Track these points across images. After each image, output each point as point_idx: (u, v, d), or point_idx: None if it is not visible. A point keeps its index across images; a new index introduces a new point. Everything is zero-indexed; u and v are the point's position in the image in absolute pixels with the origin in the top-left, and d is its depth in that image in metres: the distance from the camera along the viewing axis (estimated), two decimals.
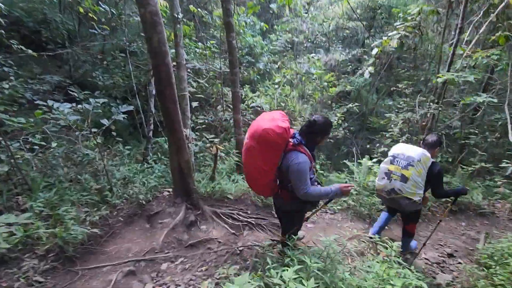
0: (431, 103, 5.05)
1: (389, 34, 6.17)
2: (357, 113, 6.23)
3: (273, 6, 10.80)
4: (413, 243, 3.36)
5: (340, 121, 5.33)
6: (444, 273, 3.20)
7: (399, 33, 5.96)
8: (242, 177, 4.32)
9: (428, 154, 2.69)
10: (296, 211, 2.29)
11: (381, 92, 8.77)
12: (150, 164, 4.29)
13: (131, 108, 3.66)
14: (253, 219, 3.51)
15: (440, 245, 3.77)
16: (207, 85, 5.15)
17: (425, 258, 3.40)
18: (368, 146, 6.60)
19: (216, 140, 3.76)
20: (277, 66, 6.45)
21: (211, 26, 6.56)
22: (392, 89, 8.74)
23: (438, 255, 3.49)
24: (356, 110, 5.72)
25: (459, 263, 3.38)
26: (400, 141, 5.35)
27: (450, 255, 3.53)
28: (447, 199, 3.98)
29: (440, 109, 4.86)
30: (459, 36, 4.72)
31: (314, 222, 3.77)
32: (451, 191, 2.97)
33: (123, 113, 3.68)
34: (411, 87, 6.05)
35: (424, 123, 5.92)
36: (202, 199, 3.60)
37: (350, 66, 6.48)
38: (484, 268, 2.92)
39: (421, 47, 6.70)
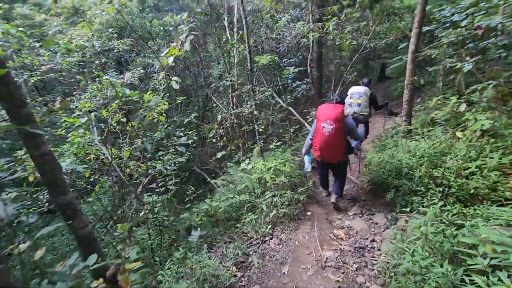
0: (256, 92, 5.63)
1: (180, 37, 5.98)
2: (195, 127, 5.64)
3: None
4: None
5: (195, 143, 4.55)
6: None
7: (188, 35, 5.93)
8: None
9: (368, 89, 4.81)
10: (347, 159, 3.78)
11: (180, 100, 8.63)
12: None
13: None
14: None
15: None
16: None
17: (374, 222, 3.46)
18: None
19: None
20: (58, 106, 4.09)
21: None
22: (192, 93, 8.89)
23: (366, 222, 3.52)
24: (194, 121, 5.14)
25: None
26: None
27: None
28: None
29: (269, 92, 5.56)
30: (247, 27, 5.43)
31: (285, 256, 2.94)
32: (381, 103, 5.05)
33: None
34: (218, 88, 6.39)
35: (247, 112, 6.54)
36: None
37: (156, 82, 5.59)
38: None
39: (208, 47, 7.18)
